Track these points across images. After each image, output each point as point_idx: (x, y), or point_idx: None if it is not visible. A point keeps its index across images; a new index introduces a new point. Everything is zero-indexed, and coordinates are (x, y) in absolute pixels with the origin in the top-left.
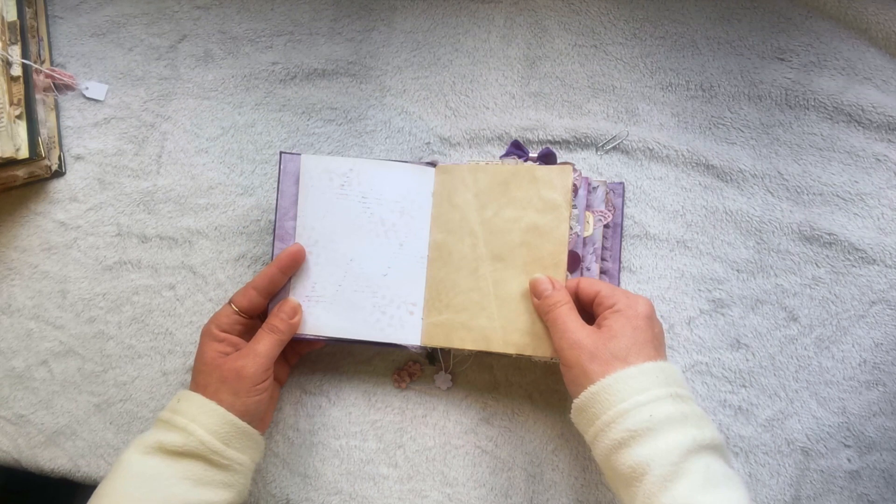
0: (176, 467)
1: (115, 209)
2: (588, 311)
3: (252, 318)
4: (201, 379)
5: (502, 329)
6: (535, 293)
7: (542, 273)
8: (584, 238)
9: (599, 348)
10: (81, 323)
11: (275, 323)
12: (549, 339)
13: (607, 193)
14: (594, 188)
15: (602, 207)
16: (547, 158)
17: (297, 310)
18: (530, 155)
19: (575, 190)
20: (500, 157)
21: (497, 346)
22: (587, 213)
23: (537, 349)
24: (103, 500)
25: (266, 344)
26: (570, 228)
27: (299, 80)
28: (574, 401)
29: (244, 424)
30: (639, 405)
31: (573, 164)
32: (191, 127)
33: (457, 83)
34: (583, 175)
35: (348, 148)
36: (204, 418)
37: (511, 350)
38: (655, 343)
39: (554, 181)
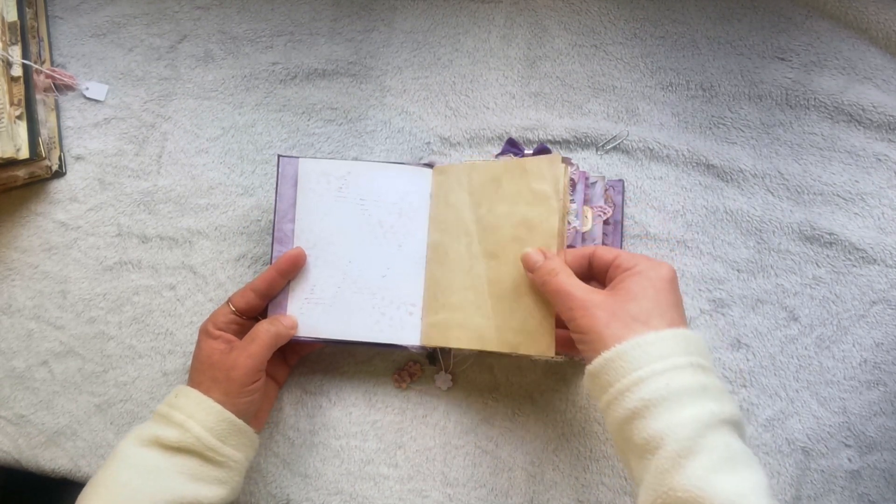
0: (172, 461)
1: (116, 209)
2: (600, 280)
3: (249, 320)
4: (196, 376)
5: (497, 327)
6: (527, 268)
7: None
8: (583, 233)
9: (617, 311)
10: (82, 323)
11: (271, 326)
12: (543, 337)
13: (606, 189)
14: (592, 183)
15: (601, 203)
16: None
17: (294, 325)
18: (526, 152)
19: (573, 185)
20: (496, 156)
21: (492, 345)
22: (585, 207)
23: (531, 347)
24: (99, 488)
25: (257, 346)
26: (569, 223)
27: (299, 81)
28: (587, 367)
29: (240, 422)
30: (655, 374)
31: (562, 155)
32: (191, 127)
33: (457, 83)
34: (580, 170)
35: (348, 148)
36: (201, 415)
37: (505, 348)
38: (679, 309)
39: (543, 172)
